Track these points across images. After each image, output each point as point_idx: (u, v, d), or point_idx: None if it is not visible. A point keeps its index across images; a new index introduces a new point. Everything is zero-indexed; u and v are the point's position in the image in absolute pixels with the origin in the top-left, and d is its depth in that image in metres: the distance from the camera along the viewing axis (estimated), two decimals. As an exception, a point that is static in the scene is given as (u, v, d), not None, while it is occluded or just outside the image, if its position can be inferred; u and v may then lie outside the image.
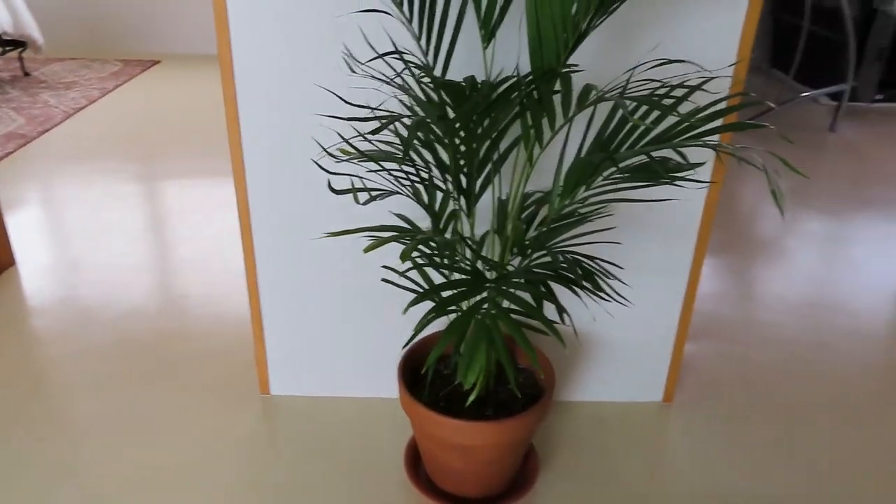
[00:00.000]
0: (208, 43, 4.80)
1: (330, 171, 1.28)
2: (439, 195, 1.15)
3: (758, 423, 1.57)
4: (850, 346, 1.85)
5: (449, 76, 1.23)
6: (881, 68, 3.69)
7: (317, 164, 1.26)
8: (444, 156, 1.12)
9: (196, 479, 1.38)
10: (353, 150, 1.20)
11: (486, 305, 0.95)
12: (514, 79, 0.94)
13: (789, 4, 4.17)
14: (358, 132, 1.20)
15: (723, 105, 1.23)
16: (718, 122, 1.24)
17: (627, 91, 1.02)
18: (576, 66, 0.98)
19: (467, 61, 1.24)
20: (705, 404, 1.63)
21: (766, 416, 1.60)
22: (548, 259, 1.06)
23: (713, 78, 1.23)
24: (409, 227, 1.15)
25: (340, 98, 1.24)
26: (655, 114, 1.04)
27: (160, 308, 1.94)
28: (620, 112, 1.02)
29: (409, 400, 1.24)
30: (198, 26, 4.76)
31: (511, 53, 1.24)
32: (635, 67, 1.15)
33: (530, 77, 0.94)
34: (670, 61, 0.94)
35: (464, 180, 1.13)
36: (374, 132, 0.83)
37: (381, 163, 1.09)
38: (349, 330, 1.54)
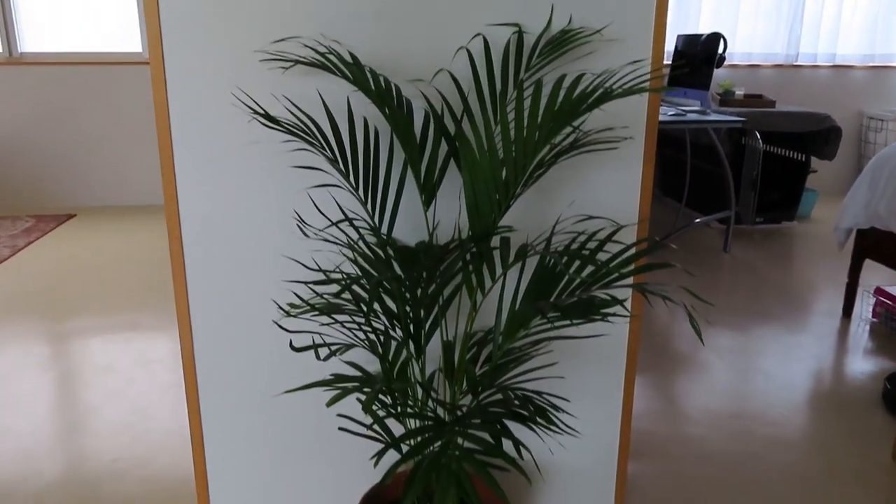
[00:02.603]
0: (126, 194, 4.83)
1: (288, 329, 1.34)
2: (392, 343, 1.22)
3: (702, 539, 1.64)
4: (771, 456, 1.98)
5: (395, 234, 1.35)
6: (756, 195, 4.18)
7: (278, 325, 1.31)
8: (393, 305, 1.20)
9: None
10: (304, 305, 1.27)
11: (449, 450, 1.00)
12: (457, 241, 1.05)
13: (672, 142, 4.71)
14: (314, 291, 1.28)
15: (633, 251, 1.39)
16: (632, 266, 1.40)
17: (552, 242, 1.15)
18: (510, 227, 1.12)
19: (411, 221, 1.36)
20: (651, 525, 1.68)
21: (708, 531, 1.67)
22: (499, 397, 1.14)
23: (622, 228, 1.40)
24: (362, 374, 1.21)
25: (302, 265, 1.33)
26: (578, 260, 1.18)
27: (88, 476, 1.84)
28: (550, 260, 1.15)
29: (370, 551, 1.24)
30: (114, 177, 4.79)
31: (450, 212, 1.37)
32: (557, 223, 1.31)
33: (471, 238, 1.06)
34: (588, 217, 1.08)
35: (412, 327, 1.22)
36: (337, 294, 0.91)
37: (335, 316, 1.16)
38: (299, 482, 1.52)
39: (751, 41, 5.12)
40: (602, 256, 1.37)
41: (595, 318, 1.12)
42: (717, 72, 4.87)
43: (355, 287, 1.20)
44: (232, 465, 1.49)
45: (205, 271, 1.37)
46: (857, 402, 2.28)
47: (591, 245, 1.18)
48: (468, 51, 1.35)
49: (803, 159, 4.20)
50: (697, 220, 3.93)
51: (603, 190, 1.37)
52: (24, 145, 4.68)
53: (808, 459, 1.96)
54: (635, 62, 1.31)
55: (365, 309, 1.15)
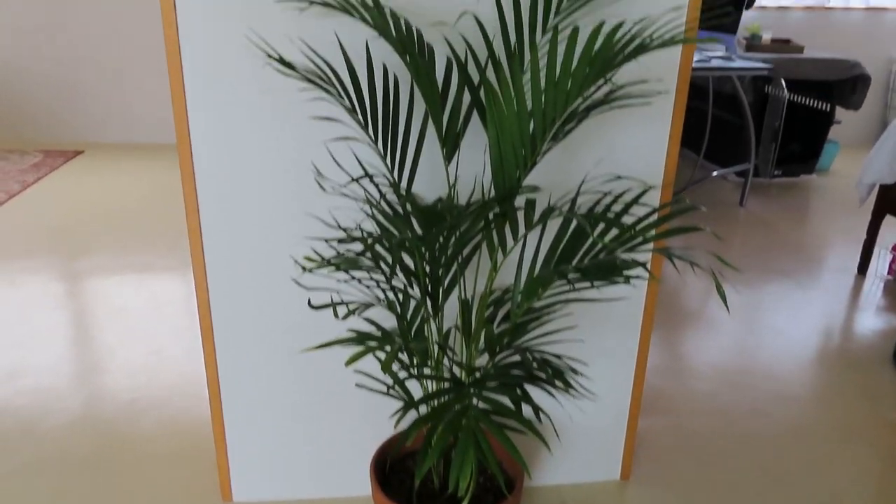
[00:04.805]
0: (134, 132, 4.76)
1: (307, 286, 1.32)
2: (411, 302, 1.21)
3: (706, 491, 1.66)
4: (778, 411, 1.99)
5: (415, 189, 1.31)
6: (776, 147, 4.08)
7: (297, 282, 1.30)
8: (411, 263, 1.18)
9: None
10: (319, 260, 1.25)
11: (469, 412, 1.00)
12: (480, 201, 1.02)
13: (694, 91, 4.58)
14: (335, 249, 1.26)
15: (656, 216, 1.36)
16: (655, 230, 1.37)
17: (578, 202, 1.12)
18: (536, 187, 1.08)
19: (431, 175, 1.32)
20: (659, 478, 1.70)
21: (712, 484, 1.69)
22: (517, 358, 1.13)
23: (649, 189, 1.36)
24: (379, 332, 1.20)
25: (322, 221, 1.30)
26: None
27: (107, 414, 1.87)
28: (573, 222, 1.12)
29: (384, 500, 1.25)
30: (122, 114, 4.72)
31: (472, 165, 1.33)
32: (582, 183, 1.27)
33: (496, 199, 1.02)
34: (616, 178, 1.05)
35: (430, 286, 1.20)
36: (361, 253, 0.89)
37: (352, 272, 1.14)
38: (314, 430, 1.54)
39: (780, -18, 4.90)
40: (626, 218, 1.33)
41: (617, 281, 1.10)
42: (744, 14, 4.68)
43: (376, 245, 1.17)
44: (247, 412, 1.50)
45: (219, 222, 1.34)
46: (866, 360, 2.28)
47: (616, 208, 1.15)
48: (494, -6, 1.29)
49: (828, 109, 4.08)
50: (715, 174, 3.85)
51: (629, 147, 1.32)
52: (31, 77, 4.60)
53: (815, 415, 1.97)
54: (674, 9, 1.24)
55: (385, 268, 1.12)
